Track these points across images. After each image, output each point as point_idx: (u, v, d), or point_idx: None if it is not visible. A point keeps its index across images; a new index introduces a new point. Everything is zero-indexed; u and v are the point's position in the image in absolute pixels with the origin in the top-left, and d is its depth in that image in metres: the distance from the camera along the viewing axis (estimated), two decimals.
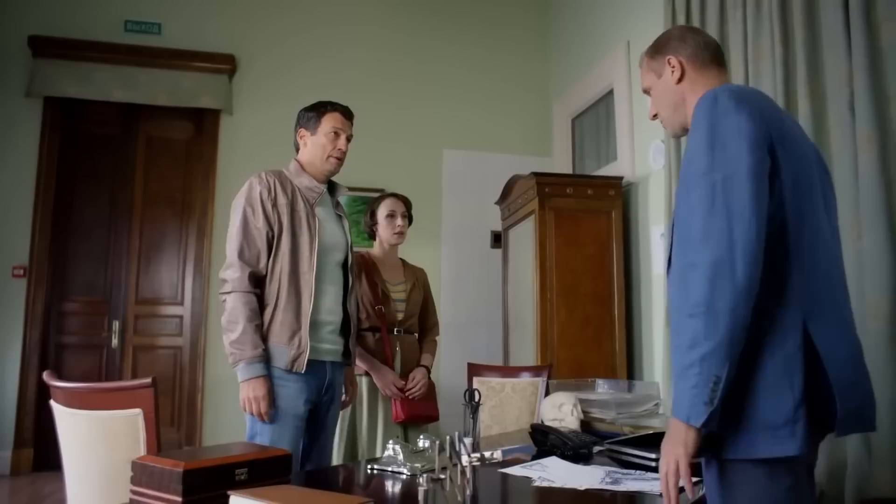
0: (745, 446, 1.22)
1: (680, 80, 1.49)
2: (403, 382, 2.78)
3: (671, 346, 1.45)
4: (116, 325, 4.78)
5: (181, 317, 4.90)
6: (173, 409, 4.77)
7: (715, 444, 1.25)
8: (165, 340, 4.88)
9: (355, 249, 2.65)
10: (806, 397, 1.21)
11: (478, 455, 1.69)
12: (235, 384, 2.13)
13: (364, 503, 1.14)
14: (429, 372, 2.89)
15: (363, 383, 2.78)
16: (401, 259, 3.06)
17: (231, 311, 2.09)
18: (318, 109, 2.38)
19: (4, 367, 4.48)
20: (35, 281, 4.57)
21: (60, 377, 1.55)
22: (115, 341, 4.77)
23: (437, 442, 1.15)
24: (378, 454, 2.68)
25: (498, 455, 1.74)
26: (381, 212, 2.94)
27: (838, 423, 1.23)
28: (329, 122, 2.36)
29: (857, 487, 2.28)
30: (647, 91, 1.59)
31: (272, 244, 2.18)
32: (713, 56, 1.51)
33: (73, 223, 4.78)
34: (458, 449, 1.15)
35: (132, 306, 4.84)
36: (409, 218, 3.00)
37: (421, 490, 1.07)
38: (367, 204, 4.96)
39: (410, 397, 2.77)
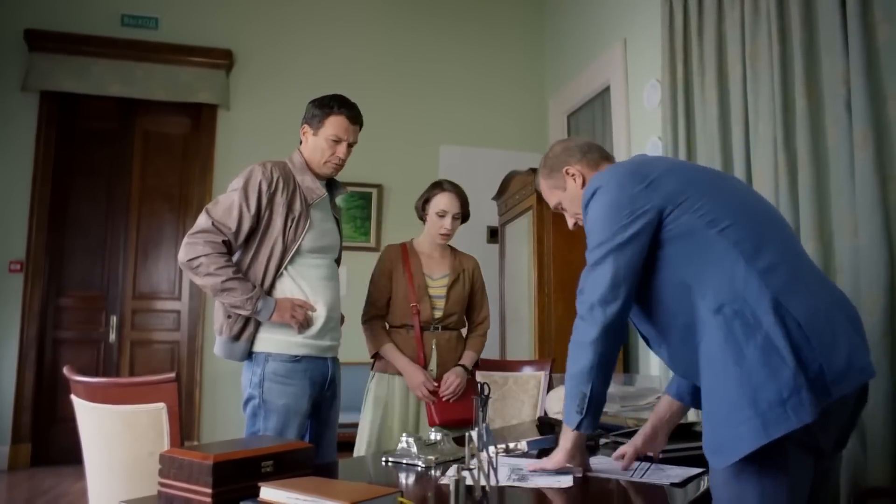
0: (753, 437, 1.23)
1: (584, 184, 1.65)
2: (436, 384, 2.61)
3: None
4: (114, 319, 4.79)
5: (178, 312, 4.91)
6: None
7: (716, 451, 1.29)
8: (163, 335, 4.89)
9: (394, 243, 2.76)
10: (799, 364, 1.24)
11: (503, 446, 1.73)
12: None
13: (393, 493, 1.18)
14: (467, 371, 2.71)
15: (396, 383, 2.65)
16: (450, 247, 2.86)
17: (218, 270, 2.09)
18: (325, 109, 2.27)
19: (1, 362, 4.48)
20: (32, 276, 4.57)
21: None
22: (112, 336, 4.78)
23: (468, 433, 1.19)
24: None
25: (522, 446, 1.77)
26: (433, 206, 2.73)
27: (832, 385, 1.26)
28: (332, 126, 2.26)
29: (852, 478, 2.33)
30: (557, 207, 1.77)
31: (250, 234, 2.18)
32: (600, 152, 1.72)
33: (70, 218, 4.78)
34: (486, 440, 1.19)
35: (129, 301, 4.85)
36: (462, 216, 2.78)
37: (451, 480, 1.11)
38: (363, 199, 5.08)
39: (444, 400, 2.60)
